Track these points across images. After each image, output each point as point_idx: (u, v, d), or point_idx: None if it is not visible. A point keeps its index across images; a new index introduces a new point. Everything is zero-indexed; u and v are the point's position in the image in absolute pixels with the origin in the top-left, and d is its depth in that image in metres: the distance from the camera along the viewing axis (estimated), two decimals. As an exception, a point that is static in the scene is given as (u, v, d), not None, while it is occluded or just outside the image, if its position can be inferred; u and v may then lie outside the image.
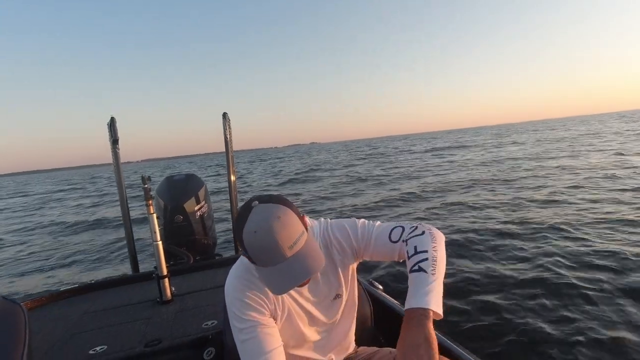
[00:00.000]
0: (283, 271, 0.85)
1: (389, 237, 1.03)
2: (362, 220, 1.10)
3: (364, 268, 3.92)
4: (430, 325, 0.83)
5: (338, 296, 1.10)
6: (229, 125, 3.01)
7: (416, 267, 0.92)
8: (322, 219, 1.12)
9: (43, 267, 6.30)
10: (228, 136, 3.02)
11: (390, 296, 1.76)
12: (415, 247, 0.96)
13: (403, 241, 1.01)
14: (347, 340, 1.19)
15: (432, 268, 0.91)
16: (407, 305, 0.87)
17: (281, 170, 22.84)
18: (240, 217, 0.88)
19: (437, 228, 1.04)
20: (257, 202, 0.88)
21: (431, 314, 0.84)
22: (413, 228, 1.02)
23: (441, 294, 0.89)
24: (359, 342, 1.28)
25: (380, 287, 1.89)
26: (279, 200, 0.90)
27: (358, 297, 1.23)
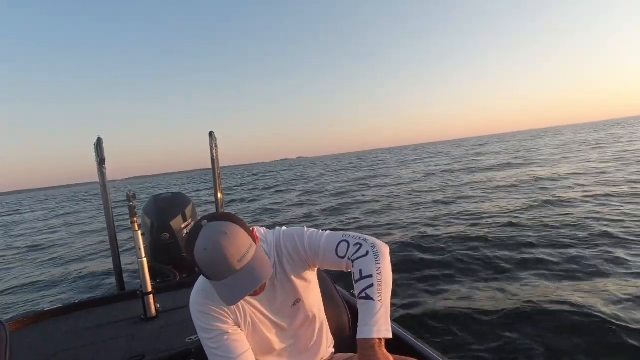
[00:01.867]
0: (232, 284, 0.91)
1: (336, 252, 1.08)
2: (311, 230, 1.15)
3: (345, 277, 3.97)
4: (383, 350, 0.95)
5: (297, 301, 1.15)
6: (215, 144, 3.07)
7: (363, 295, 1.00)
8: (277, 228, 1.17)
9: (28, 287, 6.17)
10: (215, 155, 3.07)
11: None
12: (361, 272, 1.02)
13: (349, 259, 1.07)
14: (318, 344, 1.23)
15: (378, 294, 0.99)
16: (360, 335, 0.97)
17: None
18: (191, 236, 0.92)
19: (378, 239, 1.09)
20: (206, 220, 0.93)
21: (383, 340, 0.96)
22: (357, 246, 1.06)
23: (388, 315, 1.00)
24: (337, 349, 1.32)
25: None
26: (226, 217, 0.95)
27: (336, 305, 1.29)
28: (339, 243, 1.09)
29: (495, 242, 4.84)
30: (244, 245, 0.92)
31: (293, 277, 1.13)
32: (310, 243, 1.11)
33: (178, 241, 2.99)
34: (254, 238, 0.98)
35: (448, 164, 20.91)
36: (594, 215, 5.56)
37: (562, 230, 5.00)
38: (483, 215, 6.57)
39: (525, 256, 4.18)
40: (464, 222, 6.32)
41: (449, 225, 6.19)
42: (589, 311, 2.76)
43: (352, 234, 1.12)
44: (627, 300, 2.89)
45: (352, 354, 1.27)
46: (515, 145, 34.05)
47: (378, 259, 1.04)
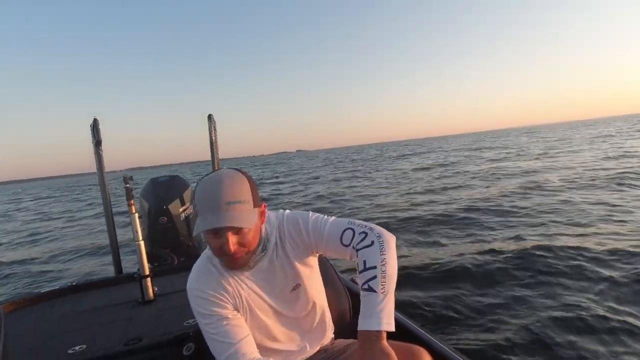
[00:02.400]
0: (210, 219, 0.91)
1: (340, 239, 1.05)
2: (316, 215, 1.11)
3: (345, 262, 4.01)
4: (384, 343, 0.92)
5: (297, 286, 1.12)
6: (214, 127, 3.02)
7: (366, 286, 0.97)
8: (281, 211, 1.14)
9: (24, 270, 6.16)
10: (214, 138, 3.02)
11: None
12: (365, 262, 0.99)
13: (353, 248, 1.04)
14: (319, 330, 1.21)
15: (382, 286, 0.96)
16: (361, 327, 0.95)
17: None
18: (204, 175, 0.98)
19: (385, 229, 1.07)
20: (226, 167, 0.98)
21: (384, 333, 0.93)
22: (363, 235, 1.03)
23: (392, 307, 0.97)
24: (337, 335, 1.30)
25: None
26: (241, 171, 0.99)
27: (337, 291, 1.26)
28: (344, 230, 1.06)
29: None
30: (240, 196, 0.94)
31: (294, 261, 1.10)
32: (315, 228, 1.08)
33: (176, 225, 2.95)
34: (261, 212, 0.99)
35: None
36: None
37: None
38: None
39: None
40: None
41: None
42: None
43: (358, 221, 1.09)
44: None
45: (352, 340, 1.26)
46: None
47: (383, 249, 1.01)
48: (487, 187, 9.26)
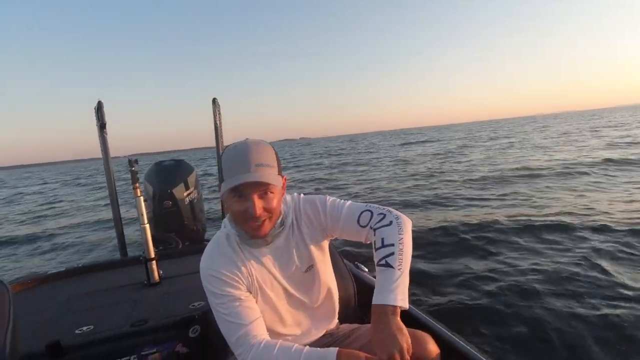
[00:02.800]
0: (238, 178, 0.92)
1: (358, 221, 1.07)
2: (333, 198, 1.13)
3: (350, 251, 4.10)
4: (398, 319, 0.92)
5: (310, 267, 1.12)
6: (219, 111, 3.00)
7: (383, 262, 0.98)
8: (295, 194, 1.15)
9: (32, 251, 6.25)
10: (218, 122, 3.00)
11: (375, 277, 1.79)
12: (383, 240, 1.01)
13: (371, 228, 1.05)
14: (326, 314, 1.21)
15: (399, 262, 0.97)
16: (376, 301, 0.95)
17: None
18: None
19: (403, 213, 1.08)
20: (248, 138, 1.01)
21: (398, 309, 0.93)
22: (381, 216, 1.05)
23: (407, 286, 0.97)
24: (342, 320, 1.30)
25: (366, 269, 1.93)
26: (267, 142, 1.00)
27: (343, 277, 1.26)
28: (362, 212, 1.08)
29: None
30: (268, 160, 0.96)
31: (309, 243, 1.11)
32: (332, 210, 1.10)
33: (180, 209, 2.96)
34: (283, 181, 1.02)
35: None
36: None
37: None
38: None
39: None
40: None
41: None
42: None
43: (375, 205, 1.10)
44: None
45: (357, 325, 1.26)
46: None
47: (401, 230, 1.02)
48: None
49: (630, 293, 2.72)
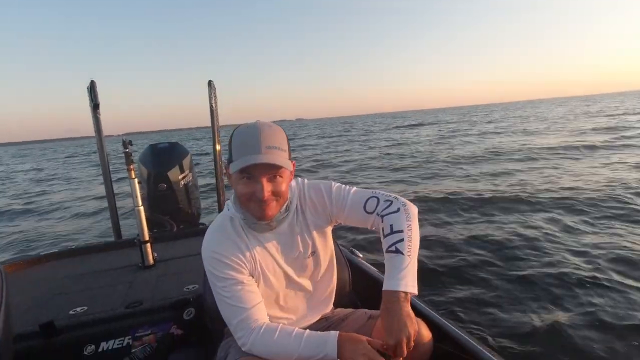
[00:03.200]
0: (249, 159, 0.91)
1: (364, 207, 1.06)
2: (338, 184, 1.12)
3: (345, 236, 4.18)
4: (408, 305, 0.94)
5: (313, 253, 1.12)
6: (214, 93, 2.94)
7: (393, 248, 0.98)
8: (300, 179, 1.13)
9: (25, 233, 6.22)
10: (214, 105, 2.95)
11: (369, 263, 1.80)
12: (392, 227, 1.01)
13: (378, 215, 1.05)
14: (324, 300, 1.22)
15: (408, 249, 0.98)
16: (386, 287, 0.95)
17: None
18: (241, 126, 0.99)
19: (410, 200, 1.08)
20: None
21: (409, 295, 0.95)
22: (388, 203, 1.05)
23: (416, 272, 0.98)
24: (336, 304, 1.31)
25: (361, 255, 1.94)
26: (278, 125, 0.99)
27: (338, 262, 1.26)
28: (368, 199, 1.07)
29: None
30: (279, 143, 0.95)
31: (313, 229, 1.11)
32: (338, 196, 1.09)
33: (175, 192, 2.95)
34: (292, 166, 1.00)
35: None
36: None
37: None
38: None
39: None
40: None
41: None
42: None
43: (381, 191, 1.10)
44: None
45: (351, 310, 1.27)
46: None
47: (409, 216, 1.03)
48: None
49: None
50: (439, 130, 23.50)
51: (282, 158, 0.94)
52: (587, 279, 2.78)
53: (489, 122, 27.79)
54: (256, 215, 0.99)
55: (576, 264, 3.04)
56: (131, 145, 2.04)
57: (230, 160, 0.96)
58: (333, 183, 1.12)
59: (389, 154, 12.95)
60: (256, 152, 0.91)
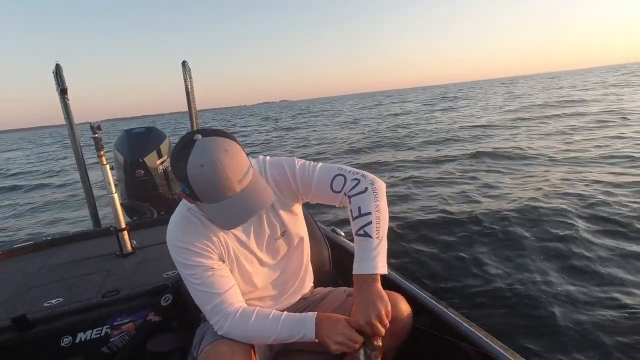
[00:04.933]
0: (233, 205, 0.85)
1: (331, 186, 1.03)
2: (302, 161, 1.07)
3: (326, 212, 4.25)
4: (379, 285, 0.96)
5: (284, 234, 1.10)
6: (189, 74, 2.85)
7: (362, 232, 0.98)
8: (261, 157, 1.08)
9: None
10: (189, 86, 2.86)
11: (351, 242, 1.80)
12: (359, 209, 0.99)
13: (345, 194, 1.02)
14: (301, 279, 1.20)
15: (377, 231, 0.97)
16: (356, 271, 0.96)
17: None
18: (182, 150, 0.84)
19: (377, 176, 1.05)
20: (199, 135, 0.85)
21: (378, 276, 0.96)
22: (355, 182, 1.02)
23: (385, 251, 0.99)
24: (317, 284, 1.31)
25: (343, 233, 1.93)
26: (224, 133, 0.88)
27: (316, 240, 1.24)
28: (335, 177, 1.03)
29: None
30: (244, 165, 0.87)
31: (279, 209, 1.07)
32: (303, 174, 1.04)
33: (154, 178, 2.87)
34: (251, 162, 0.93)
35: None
36: None
37: None
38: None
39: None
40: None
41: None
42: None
43: (348, 167, 1.06)
44: None
45: (331, 288, 1.26)
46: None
47: (377, 196, 1.01)
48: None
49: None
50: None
51: (257, 184, 0.89)
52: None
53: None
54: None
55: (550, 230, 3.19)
56: (100, 130, 1.96)
57: (194, 197, 0.87)
58: (296, 159, 1.07)
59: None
60: (230, 192, 0.84)
